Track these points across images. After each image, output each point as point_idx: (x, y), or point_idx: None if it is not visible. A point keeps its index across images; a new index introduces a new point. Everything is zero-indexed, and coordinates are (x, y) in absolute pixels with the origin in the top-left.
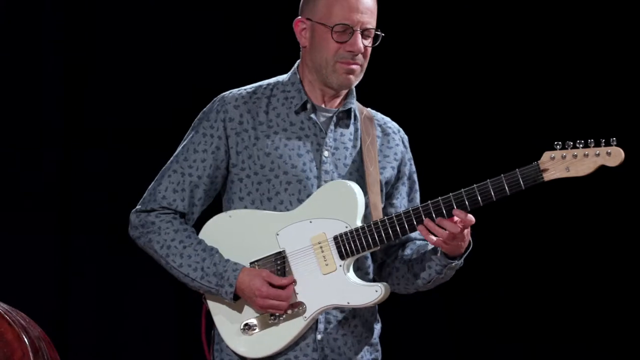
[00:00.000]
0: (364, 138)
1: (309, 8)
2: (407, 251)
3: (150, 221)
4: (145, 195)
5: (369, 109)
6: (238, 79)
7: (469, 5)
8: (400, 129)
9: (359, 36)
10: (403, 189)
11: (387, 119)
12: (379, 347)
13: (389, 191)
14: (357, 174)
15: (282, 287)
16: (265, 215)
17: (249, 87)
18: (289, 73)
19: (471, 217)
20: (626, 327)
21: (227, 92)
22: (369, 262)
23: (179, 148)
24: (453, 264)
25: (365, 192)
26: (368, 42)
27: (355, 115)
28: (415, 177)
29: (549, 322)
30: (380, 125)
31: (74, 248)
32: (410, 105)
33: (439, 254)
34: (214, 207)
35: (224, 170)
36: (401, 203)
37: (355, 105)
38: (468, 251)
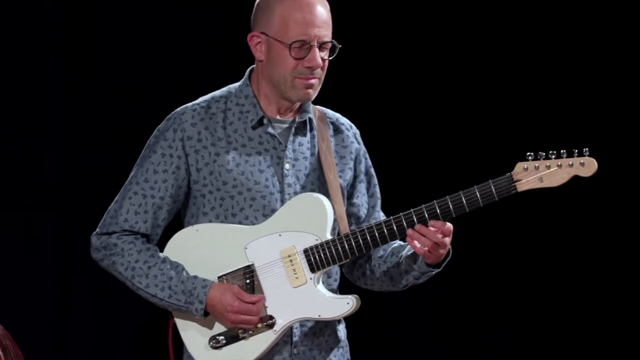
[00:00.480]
0: (320, 145)
1: (263, 22)
2: (380, 252)
3: (113, 243)
4: (105, 217)
5: (318, 106)
6: (238, 79)
7: (444, 9)
8: (352, 125)
9: (317, 51)
10: (362, 186)
11: (338, 115)
12: (347, 348)
13: (348, 191)
14: (319, 182)
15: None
16: (233, 229)
17: (202, 102)
18: (241, 83)
19: (449, 225)
20: (624, 327)
21: (181, 108)
22: (336, 267)
23: (137, 168)
24: (433, 273)
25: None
26: (325, 54)
27: (311, 123)
28: (372, 171)
29: (545, 322)
30: (332, 123)
31: (74, 248)
32: (384, 115)
33: (418, 262)
34: (173, 222)
35: (186, 187)
36: (362, 201)
37: (311, 113)
38: (448, 259)
